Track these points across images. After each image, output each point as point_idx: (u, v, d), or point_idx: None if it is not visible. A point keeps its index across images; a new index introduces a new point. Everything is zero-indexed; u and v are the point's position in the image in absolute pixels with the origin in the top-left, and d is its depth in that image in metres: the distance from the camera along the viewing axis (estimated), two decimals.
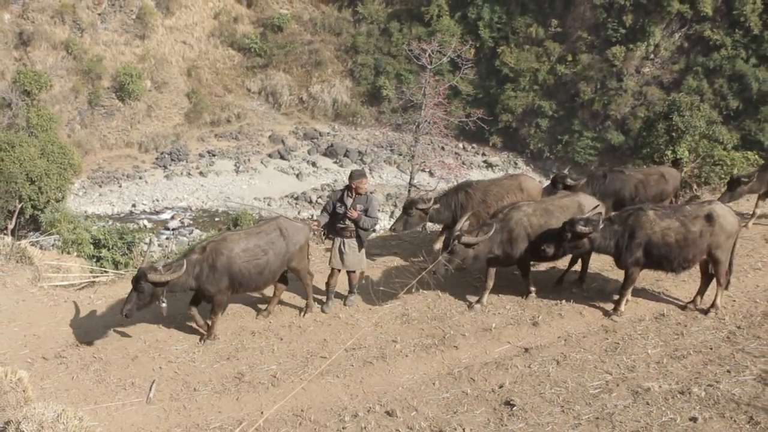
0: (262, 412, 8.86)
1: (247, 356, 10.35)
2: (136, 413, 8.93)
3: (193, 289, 10.42)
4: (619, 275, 11.72)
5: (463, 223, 11.32)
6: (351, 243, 11.47)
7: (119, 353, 10.28)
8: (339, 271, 11.76)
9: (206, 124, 61.76)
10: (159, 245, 34.88)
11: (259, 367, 10.03)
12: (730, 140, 45.50)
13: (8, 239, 15.51)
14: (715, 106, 51.98)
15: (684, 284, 12.33)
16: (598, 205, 11.85)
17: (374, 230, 13.82)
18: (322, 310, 11.81)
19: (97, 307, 11.77)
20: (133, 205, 50.89)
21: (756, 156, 23.19)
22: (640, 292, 11.97)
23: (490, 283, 11.79)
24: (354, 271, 11.81)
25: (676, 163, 23.23)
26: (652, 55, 57.87)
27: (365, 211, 11.33)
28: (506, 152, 60.81)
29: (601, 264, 13.04)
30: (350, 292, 12.07)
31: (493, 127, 57.74)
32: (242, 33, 65.75)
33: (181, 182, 54.33)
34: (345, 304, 11.97)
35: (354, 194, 11.32)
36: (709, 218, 10.81)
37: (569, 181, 14.48)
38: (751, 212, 15.80)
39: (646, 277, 12.27)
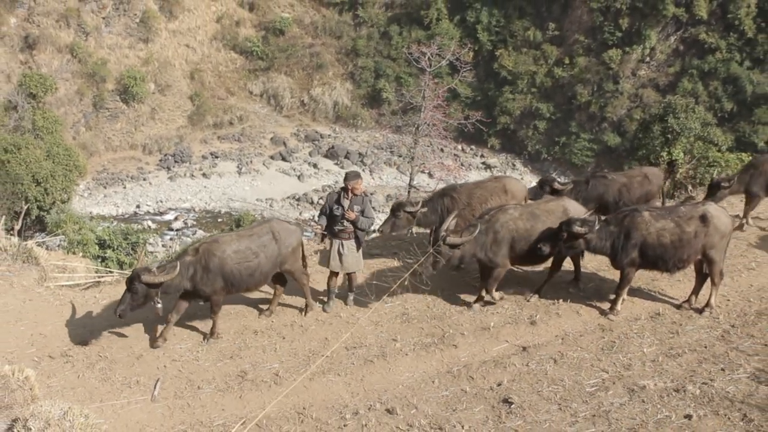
0: (264, 410, 8.88)
1: (250, 355, 10.37)
2: (141, 411, 8.95)
3: (188, 291, 10.37)
4: (615, 275, 11.74)
5: (449, 223, 11.28)
6: (349, 244, 11.47)
7: (124, 352, 10.30)
8: (337, 273, 11.77)
9: (209, 126, 61.71)
10: (163, 245, 34.94)
11: (262, 366, 10.05)
12: (725, 142, 45.33)
13: (15, 240, 15.53)
14: (709, 108, 51.89)
15: (679, 284, 12.35)
16: (593, 211, 11.87)
17: (372, 230, 13.81)
18: (324, 310, 11.83)
19: (102, 307, 11.79)
20: (138, 206, 50.87)
21: (750, 157, 23.18)
22: (636, 292, 12.00)
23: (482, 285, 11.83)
24: (354, 272, 11.82)
25: (671, 164, 23.26)
26: (647, 58, 57.84)
27: (362, 212, 11.34)
28: (504, 154, 60.78)
29: (598, 264, 13.06)
30: (350, 291, 12.08)
31: (492, 129, 57.66)
32: (244, 36, 65.71)
33: (184, 184, 54.29)
34: (346, 304, 11.98)
35: (350, 195, 11.32)
36: (704, 219, 10.84)
37: (556, 185, 14.44)
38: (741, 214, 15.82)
39: (642, 277, 12.28)
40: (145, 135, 58.63)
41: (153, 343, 10.48)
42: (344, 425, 8.61)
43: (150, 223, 47.17)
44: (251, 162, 57.57)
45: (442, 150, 49.64)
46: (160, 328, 10.74)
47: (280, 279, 11.51)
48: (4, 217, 26.04)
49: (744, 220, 15.50)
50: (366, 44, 65.56)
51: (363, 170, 54.38)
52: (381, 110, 59.34)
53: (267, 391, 9.41)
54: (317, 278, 13.27)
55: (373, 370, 9.91)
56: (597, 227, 10.94)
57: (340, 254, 11.47)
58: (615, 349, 10.14)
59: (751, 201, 15.33)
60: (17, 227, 23.45)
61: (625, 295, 11.41)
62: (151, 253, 26.16)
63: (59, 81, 53.72)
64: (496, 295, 11.77)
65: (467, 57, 46.91)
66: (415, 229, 15.48)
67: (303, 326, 11.26)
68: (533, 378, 9.46)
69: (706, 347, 10.06)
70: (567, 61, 59.69)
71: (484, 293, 11.88)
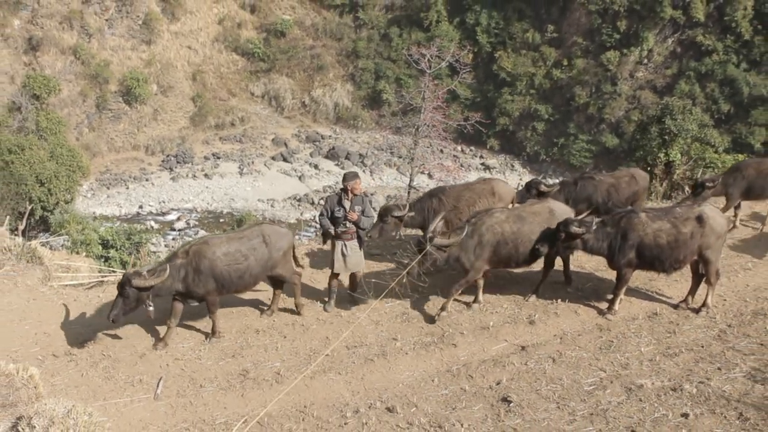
0: (266, 408, 8.89)
1: (252, 354, 10.38)
2: (143, 409, 8.96)
3: (181, 293, 10.34)
4: (612, 275, 11.74)
5: (436, 225, 11.23)
6: (352, 245, 11.45)
7: (127, 351, 10.32)
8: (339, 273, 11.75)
9: (211, 127, 61.73)
10: (165, 245, 34.93)
11: (264, 365, 10.06)
12: (722, 143, 45.29)
13: (19, 240, 15.54)
14: (706, 109, 51.93)
15: (676, 284, 12.36)
16: (590, 213, 11.87)
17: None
18: (325, 310, 11.83)
19: (105, 306, 11.79)
20: (140, 207, 50.88)
21: (748, 158, 23.20)
22: (633, 292, 12.00)
23: (481, 282, 11.78)
24: (357, 271, 11.80)
25: (669, 166, 23.27)
26: (645, 60, 57.84)
27: (362, 212, 11.33)
28: (503, 155, 60.78)
29: (596, 264, 13.07)
30: (354, 290, 12.05)
31: (491, 130, 57.64)
32: (246, 38, 65.73)
33: (186, 184, 54.30)
34: (358, 303, 11.89)
35: (350, 196, 11.30)
36: (700, 220, 10.85)
37: (543, 187, 14.39)
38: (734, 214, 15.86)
39: (639, 277, 12.29)
40: (148, 136, 58.65)
41: (155, 345, 10.49)
42: (345, 423, 8.62)
43: (152, 223, 47.19)
44: (253, 163, 57.59)
45: (441, 151, 49.57)
46: (161, 328, 10.74)
47: (278, 283, 11.51)
48: (8, 217, 26.04)
49: (736, 221, 15.57)
50: (366, 46, 65.57)
51: (363, 171, 54.44)
52: (381, 111, 59.31)
53: (268, 389, 9.43)
54: (319, 278, 13.29)
55: (373, 368, 9.92)
56: (594, 228, 10.95)
57: (343, 255, 11.43)
58: (613, 348, 10.15)
59: (729, 203, 15.39)
60: (21, 227, 23.48)
61: (622, 295, 11.42)
62: (154, 253, 26.14)
63: (63, 82, 53.66)
64: (449, 305, 11.62)
65: (467, 59, 46.94)
66: (402, 231, 15.41)
67: (304, 325, 11.27)
68: (532, 377, 9.47)
69: (702, 347, 10.08)
70: (565, 62, 59.71)
71: (480, 296, 11.88)
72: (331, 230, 11.34)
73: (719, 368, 9.38)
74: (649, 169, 23.95)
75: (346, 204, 11.26)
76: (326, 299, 12.04)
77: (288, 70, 65.77)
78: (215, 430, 8.57)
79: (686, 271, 11.81)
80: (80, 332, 10.77)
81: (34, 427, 6.67)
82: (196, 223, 48.89)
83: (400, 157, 56.73)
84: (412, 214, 13.19)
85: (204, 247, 10.41)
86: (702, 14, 55.40)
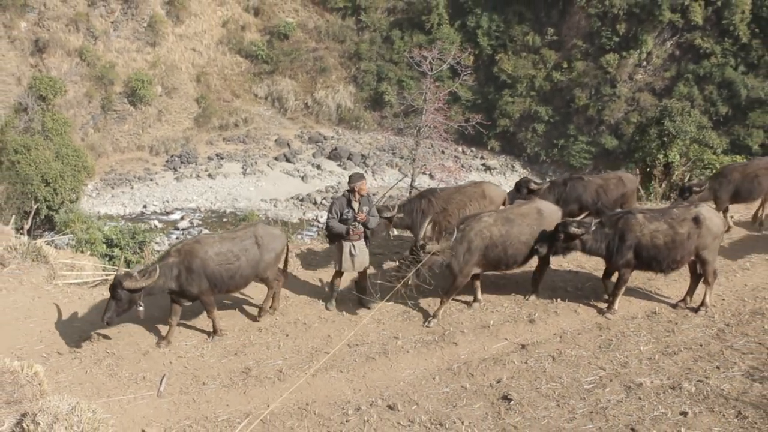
0: (268, 406, 8.87)
1: (254, 352, 10.36)
2: (147, 406, 8.95)
3: (174, 291, 10.24)
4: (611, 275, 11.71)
5: (425, 229, 11.10)
6: (360, 244, 11.36)
7: (131, 348, 10.30)
8: (343, 273, 11.70)
9: (215, 128, 61.75)
10: (169, 245, 34.91)
11: (266, 362, 10.05)
12: (720, 145, 45.51)
13: (24, 239, 15.52)
14: (705, 111, 51.91)
15: (675, 283, 12.33)
16: (588, 214, 11.81)
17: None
18: (326, 308, 11.80)
19: None
20: (144, 206, 50.91)
21: (744, 160, 23.17)
22: (632, 291, 11.98)
23: (477, 282, 11.72)
24: (363, 271, 11.72)
25: (667, 167, 23.26)
26: (644, 63, 57.83)
27: (368, 212, 11.30)
28: (504, 156, 60.77)
29: (595, 264, 13.04)
30: (363, 293, 11.92)
31: (492, 132, 57.63)
32: (249, 40, 65.76)
33: (190, 184, 54.32)
34: (368, 307, 11.79)
35: (357, 197, 11.25)
36: (696, 221, 10.83)
37: (532, 185, 14.35)
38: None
39: (639, 277, 12.27)
40: (152, 136, 58.69)
41: (158, 343, 10.46)
42: (346, 421, 8.60)
43: (156, 222, 47.23)
44: (256, 163, 57.61)
45: (443, 152, 49.62)
46: (164, 327, 10.72)
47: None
48: (14, 216, 26.04)
49: (730, 222, 15.56)
50: (368, 48, 65.58)
51: (365, 171, 54.40)
52: (383, 113, 59.42)
53: (271, 387, 9.41)
54: (321, 276, 13.27)
55: (374, 366, 9.90)
56: (593, 229, 10.93)
57: (352, 255, 11.33)
58: (612, 347, 10.13)
59: (718, 207, 15.35)
60: (27, 226, 23.45)
61: (621, 295, 11.41)
62: (158, 252, 26.16)
63: (68, 84, 53.76)
64: (441, 312, 11.43)
65: (468, 61, 46.91)
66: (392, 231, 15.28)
67: (306, 324, 11.26)
68: (532, 375, 9.46)
69: (701, 345, 10.05)
70: (565, 65, 59.71)
71: (479, 295, 11.85)
72: (342, 230, 11.19)
73: (718, 367, 9.36)
74: (648, 170, 23.96)
75: (355, 205, 11.20)
76: (328, 298, 11.99)
77: (291, 71, 65.79)
78: (218, 427, 8.55)
79: (685, 271, 11.78)
80: (84, 330, 10.75)
81: (39, 423, 6.66)
82: (200, 222, 48.90)
83: (401, 158, 56.77)
84: (401, 215, 13.07)
85: (196, 247, 10.30)
86: (700, 18, 55.40)
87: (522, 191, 14.21)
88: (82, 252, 18.71)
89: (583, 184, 14.51)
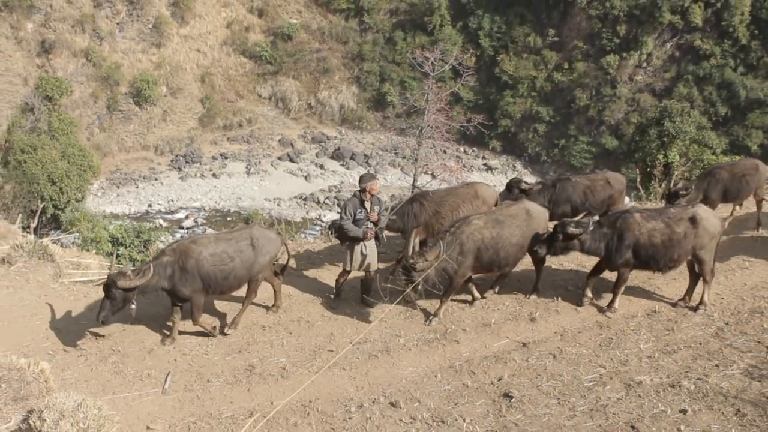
0: (272, 403, 8.88)
1: (258, 349, 10.36)
2: (152, 403, 8.95)
3: (166, 290, 10.15)
4: (610, 274, 11.68)
5: (413, 245, 10.93)
6: (370, 244, 11.29)
7: (136, 346, 10.30)
8: (350, 272, 11.63)
9: (219, 128, 61.84)
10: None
11: (270, 360, 10.05)
12: (719, 145, 45.50)
13: (31, 237, 15.55)
14: (704, 112, 51.95)
15: (674, 282, 12.32)
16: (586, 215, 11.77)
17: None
18: (331, 307, 11.77)
19: None
20: (149, 205, 50.99)
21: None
22: (632, 290, 11.97)
23: (470, 284, 11.66)
24: (371, 271, 11.64)
25: (667, 167, 23.24)
26: (644, 64, 57.86)
27: (379, 211, 11.28)
28: (505, 156, 60.81)
29: (595, 263, 13.03)
30: (368, 293, 11.79)
31: (493, 132, 57.68)
32: (253, 41, 65.84)
33: (195, 183, 54.40)
34: (371, 306, 11.73)
35: (369, 197, 11.21)
36: (693, 220, 10.82)
37: (523, 185, 14.28)
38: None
39: (639, 276, 12.26)
40: (157, 136, 58.79)
41: (163, 341, 10.46)
42: (349, 418, 8.60)
43: (161, 221, 47.29)
44: (260, 163, 57.69)
45: (444, 152, 49.63)
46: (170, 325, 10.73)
47: (275, 277, 11.43)
48: (20, 215, 26.09)
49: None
50: (371, 49, 65.65)
51: (368, 171, 54.40)
52: (385, 113, 59.52)
53: (274, 384, 9.42)
54: (324, 275, 13.28)
55: (377, 364, 9.90)
56: (591, 229, 10.92)
57: (363, 255, 11.27)
58: (612, 345, 10.13)
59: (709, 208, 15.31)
60: (33, 225, 23.51)
61: (620, 293, 11.40)
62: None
63: (74, 84, 53.87)
64: (441, 312, 11.36)
65: (469, 62, 46.90)
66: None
67: (309, 322, 11.25)
68: (533, 373, 9.45)
69: (700, 344, 10.04)
70: (566, 66, 59.78)
71: (475, 293, 11.83)
72: (359, 234, 11.08)
73: (717, 365, 9.35)
74: (648, 170, 23.96)
75: (367, 205, 11.16)
76: (333, 296, 11.96)
77: (294, 72, 65.87)
78: (222, 424, 8.55)
79: (684, 270, 11.77)
80: (90, 328, 10.75)
81: (45, 420, 6.66)
82: (204, 221, 48.97)
83: (404, 158, 56.80)
84: (394, 218, 12.94)
85: (191, 247, 10.22)
86: (700, 19, 55.44)
87: (513, 192, 14.12)
88: (88, 250, 18.74)
89: (571, 184, 14.44)
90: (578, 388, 9.01)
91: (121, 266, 10.95)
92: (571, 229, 10.77)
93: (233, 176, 55.64)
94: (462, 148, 57.57)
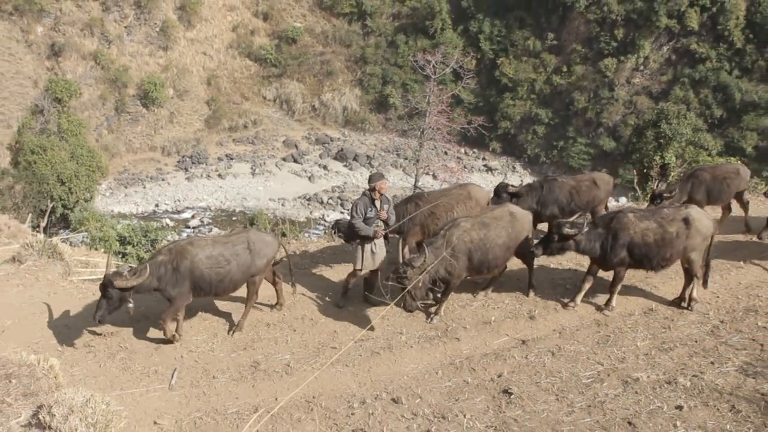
0: (276, 399, 8.88)
1: (263, 346, 10.36)
2: (159, 399, 8.95)
3: (156, 290, 9.97)
4: (607, 273, 11.65)
5: (402, 255, 10.84)
6: (380, 243, 11.26)
7: (143, 343, 10.31)
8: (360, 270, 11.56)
9: (224, 129, 61.92)
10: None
11: (274, 357, 10.04)
12: (715, 147, 45.68)
13: (40, 236, 15.57)
14: (700, 114, 52.02)
15: (671, 281, 12.31)
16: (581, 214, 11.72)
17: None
18: (337, 305, 11.73)
19: None
20: (156, 205, 51.07)
21: (739, 162, 23.13)
22: (629, 289, 11.96)
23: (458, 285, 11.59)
24: (376, 268, 11.57)
25: (663, 168, 23.24)
26: (641, 67, 57.87)
27: (388, 210, 11.26)
28: (505, 157, 60.86)
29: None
30: (371, 291, 11.74)
31: (493, 134, 57.77)
32: (259, 45, 65.89)
33: (201, 184, 54.47)
34: (374, 304, 11.66)
35: (378, 195, 11.18)
36: (686, 221, 10.80)
37: (511, 189, 14.20)
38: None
39: (636, 275, 12.25)
40: (164, 138, 58.89)
41: (169, 338, 10.46)
42: (352, 414, 8.60)
43: (168, 221, 47.32)
44: (264, 163, 57.75)
45: (445, 153, 49.75)
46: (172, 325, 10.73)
47: (275, 276, 11.42)
48: (30, 214, 26.13)
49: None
50: (374, 52, 65.70)
51: (370, 172, 54.42)
52: (388, 115, 59.68)
53: (278, 381, 9.41)
54: (327, 273, 13.28)
55: (379, 361, 9.90)
56: (586, 229, 10.91)
57: (373, 253, 11.23)
58: (610, 342, 10.12)
59: None
60: (43, 224, 23.57)
61: (617, 292, 11.39)
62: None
63: (83, 86, 54.03)
64: (442, 310, 11.33)
65: (470, 65, 47.11)
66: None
67: (313, 319, 11.24)
68: (532, 370, 9.44)
69: (696, 342, 10.03)
70: (565, 69, 59.80)
71: (486, 291, 11.86)
72: (370, 232, 11.04)
73: (712, 362, 9.34)
74: (645, 171, 23.95)
75: (377, 204, 11.14)
76: (341, 296, 11.90)
77: (299, 75, 65.94)
78: (227, 420, 8.56)
79: (679, 269, 11.75)
80: (88, 327, 10.74)
81: (54, 415, 6.67)
82: (210, 221, 49.03)
83: (405, 159, 56.89)
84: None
85: (187, 248, 10.09)
86: (696, 23, 55.45)
87: (502, 196, 14.03)
88: (96, 249, 18.78)
89: (558, 185, 14.39)
90: (576, 384, 9.00)
91: (121, 263, 10.89)
92: (567, 230, 10.76)
93: (238, 177, 55.70)
94: (463, 150, 57.55)
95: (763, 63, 53.42)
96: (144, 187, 53.45)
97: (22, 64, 53.30)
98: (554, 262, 13.19)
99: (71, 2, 56.69)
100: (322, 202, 51.61)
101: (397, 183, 54.23)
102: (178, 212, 50.36)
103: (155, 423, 8.48)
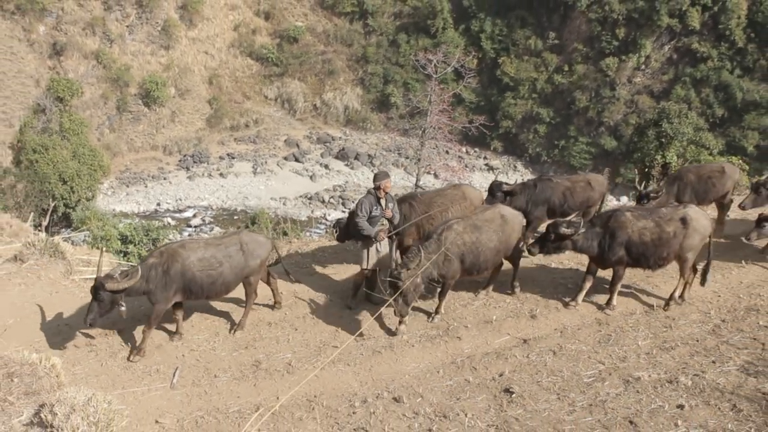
0: (277, 398, 8.89)
1: (264, 345, 10.37)
2: (160, 397, 8.96)
3: (144, 293, 9.85)
4: (607, 272, 11.63)
5: (396, 258, 10.74)
6: (384, 241, 11.27)
7: (145, 342, 10.31)
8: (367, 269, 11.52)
9: (226, 128, 61.95)
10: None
11: (275, 356, 10.05)
12: (716, 146, 45.57)
13: (42, 235, 15.58)
14: (701, 114, 51.97)
15: (672, 280, 12.29)
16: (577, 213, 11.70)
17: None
18: (348, 306, 11.67)
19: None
20: (158, 204, 51.09)
21: (740, 161, 23.11)
22: (631, 288, 11.96)
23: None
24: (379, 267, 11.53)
25: (665, 167, 23.22)
26: (643, 66, 57.83)
27: (393, 208, 11.25)
28: (506, 156, 60.86)
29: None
30: (373, 287, 11.61)
31: (494, 133, 57.76)
32: (260, 44, 65.90)
33: (202, 183, 54.48)
34: (375, 303, 11.55)
35: (383, 194, 11.17)
36: (684, 221, 10.78)
37: (505, 187, 14.14)
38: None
39: (637, 274, 12.24)
40: (166, 137, 58.93)
41: (171, 337, 10.47)
42: (353, 413, 8.60)
43: (170, 220, 47.36)
44: (266, 163, 57.77)
45: (447, 152, 49.71)
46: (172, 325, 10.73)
47: (269, 277, 11.37)
48: (32, 213, 26.13)
49: None
50: (375, 52, 65.71)
51: (372, 171, 54.48)
52: (389, 114, 59.68)
53: (280, 379, 9.42)
54: (328, 272, 13.28)
55: (380, 360, 9.90)
56: (583, 229, 10.90)
57: (378, 252, 11.22)
58: (611, 342, 10.11)
59: None
60: (45, 223, 23.58)
61: (617, 291, 11.37)
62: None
63: (85, 85, 54.06)
64: (442, 308, 11.31)
65: (471, 64, 47.03)
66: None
67: (314, 319, 11.25)
68: (533, 369, 9.44)
69: (697, 341, 10.02)
70: (566, 68, 59.79)
71: (486, 289, 11.86)
72: (372, 233, 11.02)
73: (714, 361, 9.33)
74: (646, 170, 23.93)
75: (382, 203, 11.12)
76: (350, 297, 11.84)
77: (300, 74, 65.95)
78: (229, 419, 8.56)
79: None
80: (100, 324, 10.75)
81: (56, 414, 6.68)
82: (212, 220, 49.06)
83: (407, 158, 56.88)
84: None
85: (179, 251, 10.03)
86: (697, 22, 55.41)
87: (497, 195, 13.98)
88: (98, 248, 18.78)
89: (551, 185, 14.33)
90: (578, 383, 9.00)
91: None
92: (563, 230, 10.75)
93: (240, 176, 55.73)
94: (464, 149, 57.55)
95: (765, 62, 53.37)
96: (146, 186, 53.49)
97: (24, 63, 53.35)
98: (555, 261, 13.19)
99: (73, 1, 56.74)
100: (323, 201, 51.63)
101: (398, 182, 54.15)
102: (180, 211, 50.39)
103: (157, 422, 8.49)
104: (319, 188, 54.01)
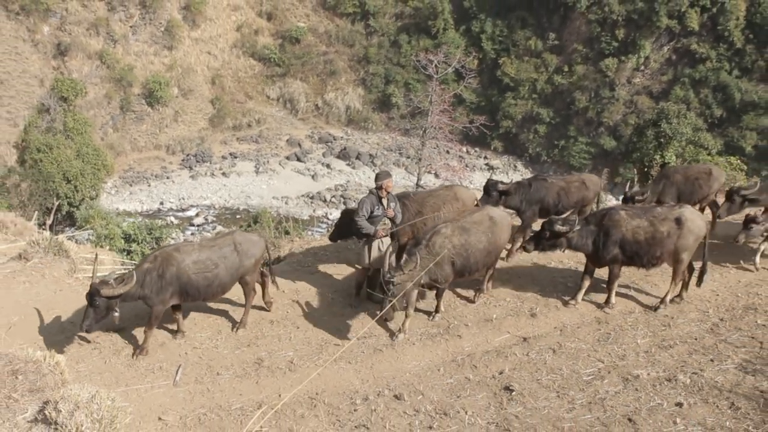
0: (279, 395, 8.89)
1: (266, 343, 10.37)
2: (163, 395, 8.96)
3: (140, 298, 9.78)
4: (605, 272, 11.63)
5: (388, 262, 10.78)
6: (386, 240, 11.25)
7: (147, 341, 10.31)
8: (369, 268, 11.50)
9: (229, 128, 61.96)
10: (185, 240, 35.05)
11: (277, 354, 10.05)
12: (714, 146, 45.56)
13: (46, 234, 15.58)
14: (700, 114, 51.97)
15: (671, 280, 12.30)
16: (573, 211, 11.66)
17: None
18: (351, 305, 11.66)
19: None
20: (161, 203, 51.11)
21: (738, 161, 23.11)
22: (630, 287, 11.96)
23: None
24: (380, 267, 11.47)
25: (664, 167, 23.21)
26: (642, 67, 57.83)
27: (395, 208, 11.23)
28: (506, 156, 60.85)
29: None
30: (375, 286, 11.51)
31: (495, 133, 57.75)
32: (262, 44, 65.90)
33: (205, 182, 54.49)
34: (376, 302, 11.57)
35: (385, 194, 11.15)
36: (678, 221, 10.75)
37: (501, 186, 14.08)
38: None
39: (636, 273, 12.24)
40: (169, 136, 58.95)
41: (174, 335, 10.46)
42: (354, 410, 8.61)
43: (173, 219, 47.39)
44: (268, 162, 57.78)
45: (447, 152, 49.67)
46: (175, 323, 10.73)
47: (262, 277, 11.33)
48: (36, 212, 26.14)
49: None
50: (377, 52, 65.70)
51: (373, 170, 54.49)
52: (390, 114, 59.66)
53: (282, 377, 9.42)
54: (330, 271, 13.28)
55: (382, 358, 9.90)
56: (578, 227, 10.89)
57: (380, 251, 11.19)
58: (610, 340, 10.11)
59: None
60: (49, 222, 23.61)
61: (615, 289, 11.36)
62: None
63: (89, 85, 54.08)
64: (441, 306, 11.33)
65: (472, 65, 46.96)
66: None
67: (316, 317, 11.25)
68: (533, 367, 9.44)
69: (696, 339, 10.03)
70: (566, 69, 59.78)
71: (486, 286, 11.86)
72: (371, 231, 10.96)
73: (712, 360, 9.33)
74: (645, 170, 23.93)
75: (384, 202, 11.10)
76: (353, 296, 11.82)
77: (302, 74, 65.95)
78: (231, 416, 8.56)
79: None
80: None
81: (60, 411, 6.67)
82: (214, 219, 49.07)
83: (408, 158, 56.89)
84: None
85: (173, 254, 9.98)
86: (696, 24, 55.41)
87: (493, 195, 13.90)
88: (102, 247, 18.81)
89: (546, 185, 14.25)
90: (577, 381, 9.00)
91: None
92: (558, 227, 10.75)
93: (242, 175, 55.74)
94: (464, 149, 57.52)
95: (763, 63, 53.40)
96: (149, 185, 53.52)
97: (29, 63, 53.38)
98: (555, 260, 13.19)
99: (77, 2, 56.75)
100: (325, 201, 51.63)
101: (399, 182, 54.15)
102: (183, 210, 50.42)
103: (160, 419, 8.49)
104: (321, 188, 54.01)
